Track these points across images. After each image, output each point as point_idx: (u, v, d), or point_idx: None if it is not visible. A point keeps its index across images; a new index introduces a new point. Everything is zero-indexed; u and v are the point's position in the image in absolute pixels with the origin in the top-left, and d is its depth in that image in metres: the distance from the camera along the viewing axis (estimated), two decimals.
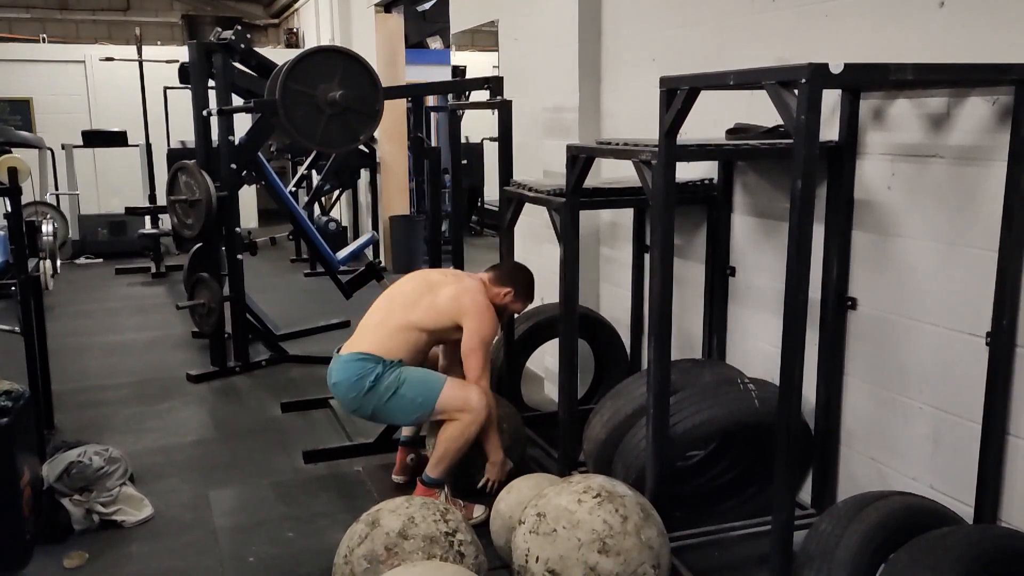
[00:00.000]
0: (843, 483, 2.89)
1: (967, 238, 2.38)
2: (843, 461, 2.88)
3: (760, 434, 2.98)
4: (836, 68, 1.95)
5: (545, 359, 4.63)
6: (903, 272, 2.59)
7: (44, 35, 12.22)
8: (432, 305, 3.30)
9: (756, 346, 3.26)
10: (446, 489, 3.30)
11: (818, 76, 1.94)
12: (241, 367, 5.28)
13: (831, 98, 2.71)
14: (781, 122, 2.43)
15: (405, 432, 3.61)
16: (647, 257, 3.69)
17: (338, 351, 3.35)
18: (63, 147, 9.63)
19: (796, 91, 1.98)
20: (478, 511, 3.25)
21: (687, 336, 3.60)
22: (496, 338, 3.50)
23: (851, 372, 2.82)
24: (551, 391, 4.60)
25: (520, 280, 3.50)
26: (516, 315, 3.69)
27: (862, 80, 2.48)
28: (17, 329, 3.80)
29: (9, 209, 3.76)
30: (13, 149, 8.30)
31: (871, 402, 2.76)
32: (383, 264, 8.27)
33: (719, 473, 3.30)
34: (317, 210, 9.13)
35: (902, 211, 2.58)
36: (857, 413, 2.82)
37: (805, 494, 2.99)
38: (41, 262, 6.21)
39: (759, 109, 2.93)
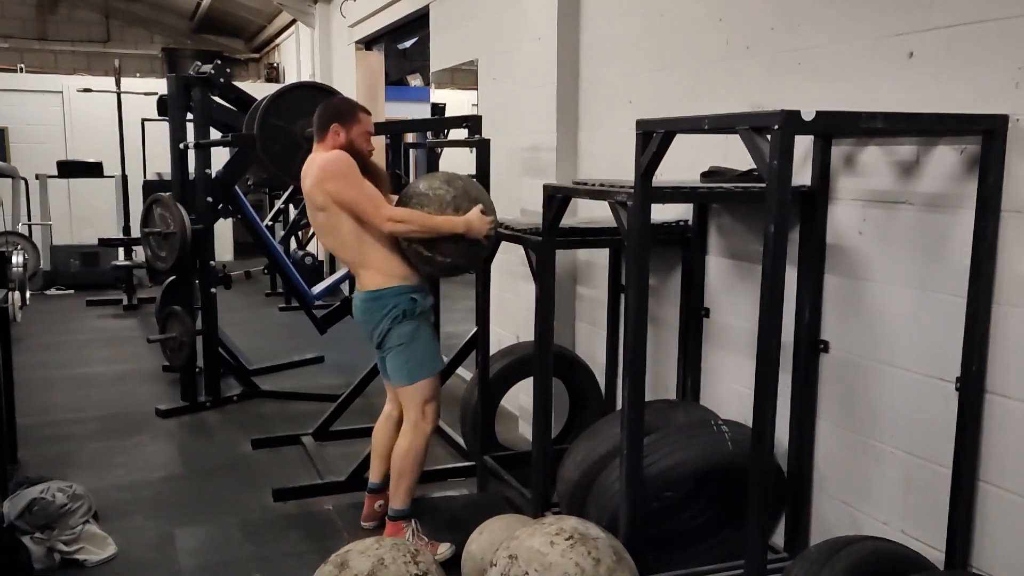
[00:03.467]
0: (816, 527, 2.89)
1: (937, 284, 2.41)
2: (816, 504, 2.88)
3: (734, 476, 2.98)
4: (808, 115, 1.98)
5: (520, 397, 4.61)
6: (874, 316, 2.62)
7: (22, 65, 12.18)
8: (322, 212, 3.15)
9: (730, 388, 3.27)
10: (414, 524, 3.27)
11: (790, 122, 1.98)
12: (212, 402, 5.21)
13: (804, 144, 2.76)
14: (755, 166, 2.47)
15: (373, 479, 3.55)
16: (622, 297, 3.70)
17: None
18: (37, 177, 9.55)
19: (769, 136, 2.01)
20: (443, 548, 3.21)
21: (662, 377, 3.60)
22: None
23: (823, 415, 2.83)
24: (525, 430, 4.57)
25: (331, 109, 3.23)
26: (369, 134, 3.28)
27: (833, 127, 2.53)
28: None
29: None
30: None
31: (843, 446, 2.77)
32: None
33: (693, 515, 3.29)
34: (293, 244, 9.09)
35: (873, 256, 2.61)
36: (829, 456, 2.83)
37: (779, 537, 2.98)
38: (10, 293, 6.13)
39: (734, 152, 2.97)
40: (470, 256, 3.27)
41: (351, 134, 3.18)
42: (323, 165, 3.10)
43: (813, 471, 2.88)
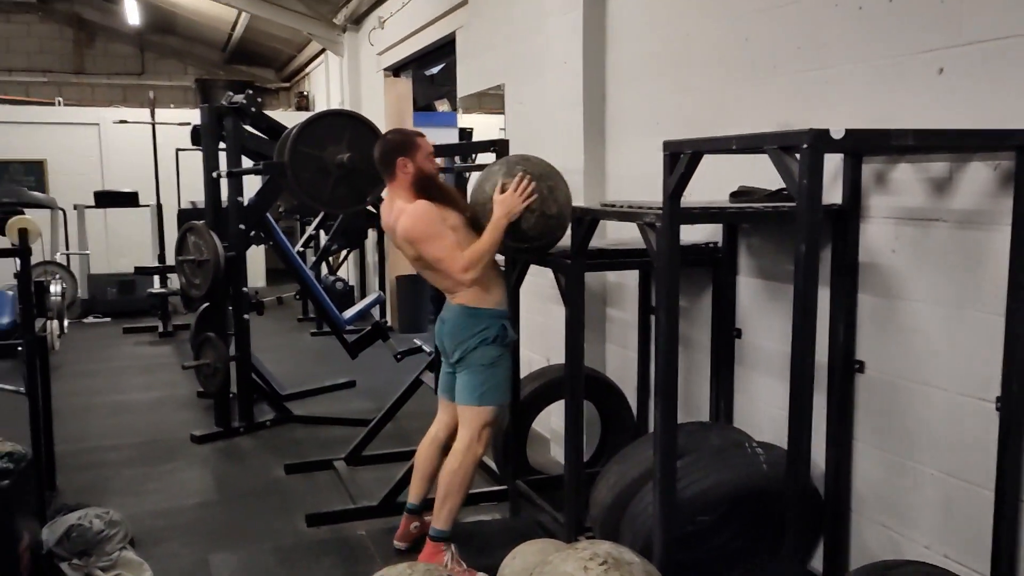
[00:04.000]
0: (855, 551, 2.83)
1: (974, 302, 2.37)
2: (854, 528, 2.83)
3: (769, 499, 2.94)
4: (837, 134, 1.97)
5: (551, 420, 4.59)
6: (910, 335, 2.58)
7: (60, 98, 12.48)
8: (424, 257, 3.25)
9: (764, 409, 3.23)
10: (453, 548, 3.25)
11: (819, 141, 1.96)
12: (245, 427, 5.24)
13: (833, 162, 2.74)
14: (784, 185, 2.45)
15: (411, 500, 3.55)
16: (652, 319, 3.68)
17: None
18: (75, 207, 9.75)
19: (798, 156, 2.00)
20: None
21: (694, 398, 3.57)
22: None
23: (860, 437, 2.79)
24: (557, 453, 4.55)
25: (390, 145, 3.29)
26: (431, 154, 3.35)
27: (863, 145, 2.51)
28: (22, 390, 3.79)
29: (19, 269, 3.78)
30: (25, 210, 8.41)
31: (881, 467, 2.72)
32: (389, 324, 8.27)
33: (728, 539, 3.24)
34: (324, 270, 9.18)
35: (907, 274, 2.58)
36: (867, 478, 2.78)
37: (817, 561, 2.93)
38: (48, 322, 6.24)
39: (762, 171, 2.95)
40: (545, 222, 3.24)
41: (417, 161, 3.27)
42: (408, 225, 3.20)
43: (851, 494, 2.83)
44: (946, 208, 2.43)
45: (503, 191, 3.18)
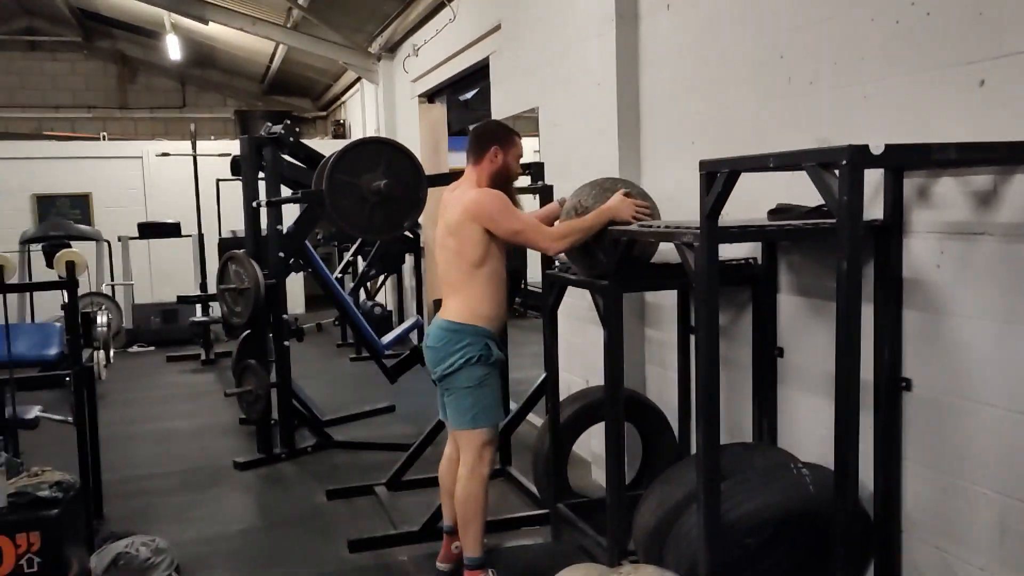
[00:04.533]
0: (907, 574, 2.76)
1: (1023, 317, 2.31)
2: (906, 550, 2.76)
3: (817, 521, 2.87)
4: (877, 149, 1.95)
5: (592, 443, 4.56)
6: (958, 352, 2.52)
7: (104, 133, 12.80)
8: (462, 240, 3.20)
9: (808, 429, 3.18)
10: (491, 572, 3.24)
11: (859, 157, 1.94)
12: (287, 454, 5.28)
13: (874, 177, 2.70)
14: (823, 202, 2.42)
15: (446, 521, 3.55)
16: (692, 338, 3.65)
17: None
18: (119, 239, 9.97)
19: (837, 172, 1.97)
20: None
21: (736, 419, 3.52)
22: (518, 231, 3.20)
23: (909, 456, 2.73)
24: (598, 476, 4.51)
25: (492, 132, 3.34)
26: (520, 159, 3.40)
27: (904, 160, 2.47)
28: (70, 419, 3.86)
29: (66, 301, 3.87)
30: (72, 243, 8.61)
31: (932, 488, 2.65)
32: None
33: (775, 562, 3.17)
34: (363, 295, 9.26)
35: (953, 290, 2.52)
36: (918, 499, 2.71)
37: None
38: (95, 352, 6.35)
39: (801, 188, 2.92)
40: (637, 252, 3.24)
41: (508, 157, 3.30)
42: (481, 202, 3.16)
43: (901, 515, 2.76)
44: (992, 222, 2.39)
45: (626, 195, 3.20)
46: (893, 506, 2.75)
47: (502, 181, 3.29)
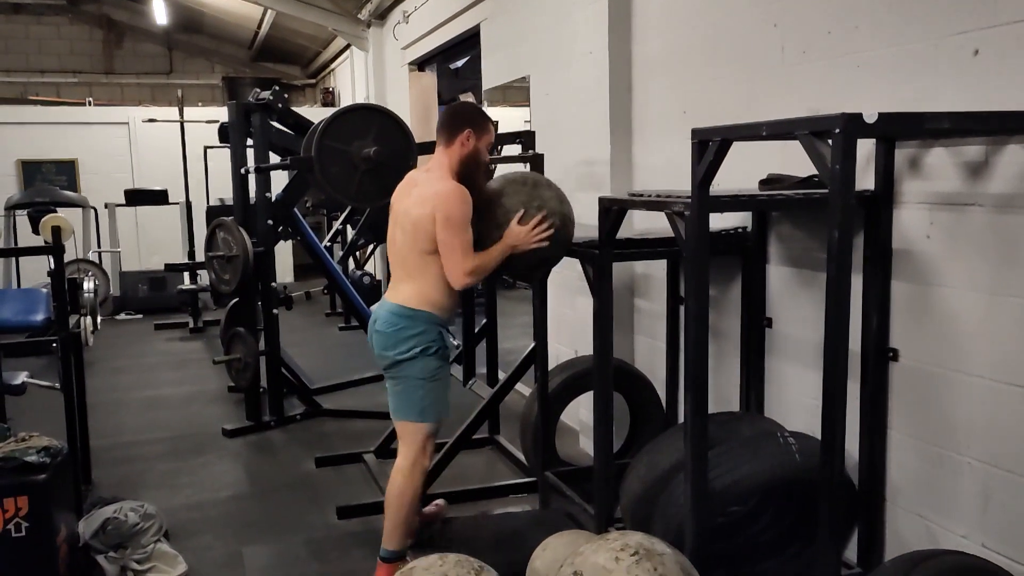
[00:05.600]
0: (890, 541, 2.80)
1: (1011, 288, 2.32)
2: (889, 518, 2.79)
3: (802, 490, 2.90)
4: (870, 118, 1.94)
5: (580, 412, 4.58)
6: (945, 323, 2.53)
7: (90, 98, 12.64)
8: (415, 223, 3.06)
9: (795, 399, 3.20)
10: (410, 559, 3.20)
11: (852, 126, 1.93)
12: (276, 421, 5.29)
13: (866, 147, 2.70)
14: (815, 171, 2.42)
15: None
16: (681, 309, 3.65)
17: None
18: (106, 206, 9.89)
19: (830, 141, 1.97)
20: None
21: (724, 389, 3.54)
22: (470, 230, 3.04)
23: (895, 426, 2.75)
24: (586, 445, 4.54)
25: (466, 115, 3.20)
26: (490, 146, 3.28)
27: (897, 130, 2.47)
28: (57, 385, 3.85)
29: (53, 267, 3.84)
30: (58, 209, 8.53)
31: (917, 457, 2.68)
32: None
33: (761, 530, 3.22)
34: (352, 264, 9.22)
35: (942, 260, 2.53)
36: (903, 468, 2.74)
37: (851, 552, 2.90)
38: (82, 319, 6.32)
39: (792, 159, 2.92)
40: (535, 261, 3.19)
41: (479, 143, 3.14)
42: (449, 204, 2.99)
43: (886, 483, 2.79)
44: (982, 192, 2.39)
45: (521, 221, 3.09)
46: (878, 475, 2.78)
47: (471, 167, 3.14)
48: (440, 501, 3.69)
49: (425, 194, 3.06)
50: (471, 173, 3.14)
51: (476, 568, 2.47)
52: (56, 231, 3.89)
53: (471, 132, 3.12)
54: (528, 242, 3.08)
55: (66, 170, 11.16)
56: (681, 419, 3.45)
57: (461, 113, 3.24)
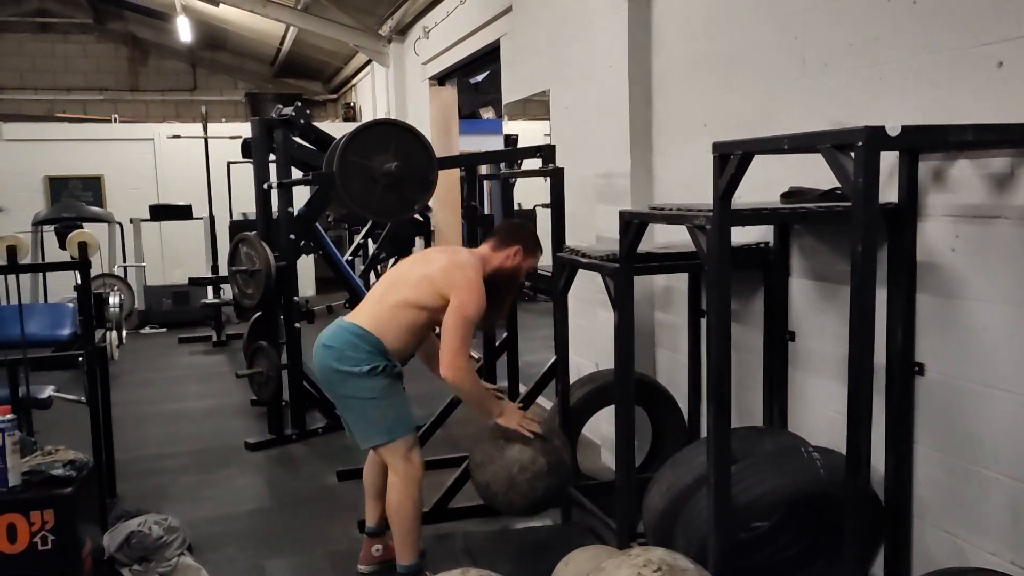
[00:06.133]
0: (917, 558, 2.75)
1: None
2: (916, 534, 2.75)
3: (827, 505, 2.87)
4: (893, 131, 1.93)
5: (601, 426, 4.56)
6: (972, 336, 2.50)
7: (116, 115, 12.82)
8: (425, 278, 3.18)
9: (819, 413, 3.17)
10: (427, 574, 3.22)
11: (875, 139, 1.92)
12: (298, 435, 5.31)
13: (889, 159, 2.68)
14: (838, 184, 2.41)
15: (369, 523, 3.51)
16: (703, 322, 3.64)
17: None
18: (131, 221, 10.00)
19: (853, 154, 1.96)
20: None
21: (747, 403, 3.52)
22: (478, 315, 3.19)
23: (921, 440, 2.72)
24: (608, 459, 4.52)
25: (524, 234, 3.42)
26: (528, 272, 3.48)
27: (920, 142, 2.45)
28: (83, 399, 3.89)
29: (79, 282, 3.89)
30: (84, 224, 8.64)
31: (943, 472, 2.64)
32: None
33: (785, 545, 3.18)
34: (373, 278, 9.25)
35: (968, 273, 2.50)
36: (929, 483, 2.70)
37: (877, 569, 2.86)
38: (108, 333, 6.39)
39: (814, 171, 2.90)
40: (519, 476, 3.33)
41: (521, 263, 3.37)
42: (473, 290, 3.13)
43: (912, 499, 2.75)
44: (1009, 205, 2.36)
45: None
46: (904, 490, 2.75)
47: (504, 280, 3.35)
48: None
49: (454, 270, 3.17)
50: (502, 284, 3.35)
51: None
52: (83, 247, 3.94)
53: (520, 250, 3.35)
54: (512, 422, 3.23)
55: (92, 186, 11.30)
56: (704, 433, 3.43)
57: (521, 231, 3.45)
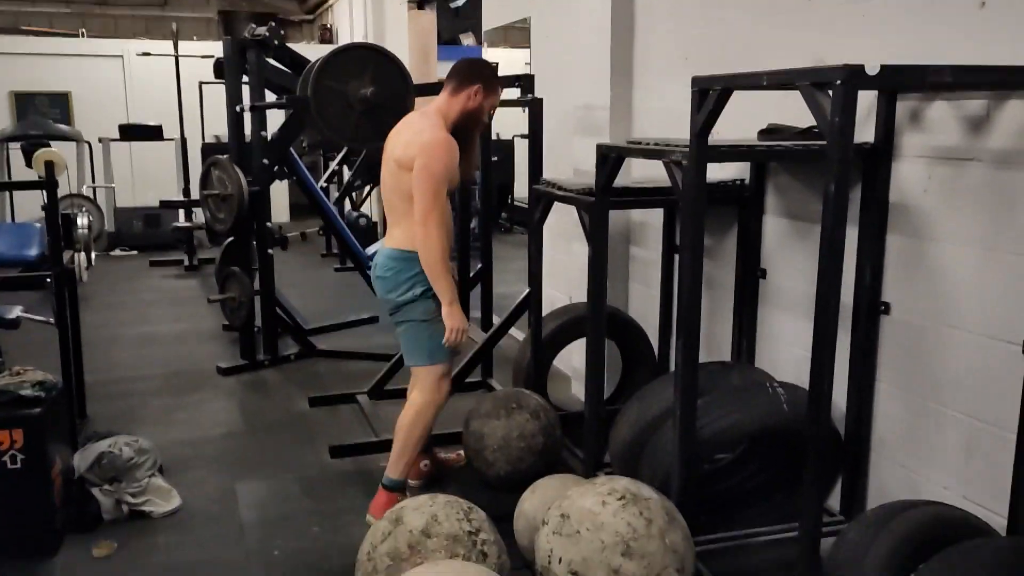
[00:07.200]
0: (873, 491, 2.85)
1: (1005, 244, 2.32)
2: (873, 468, 2.84)
3: (789, 439, 2.95)
4: (872, 70, 1.91)
5: (572, 358, 4.61)
6: (938, 277, 2.54)
7: (83, 30, 12.42)
8: (399, 166, 3.08)
9: (786, 350, 3.22)
10: (409, 493, 3.26)
11: (853, 78, 1.91)
12: (270, 361, 5.32)
13: (867, 99, 2.67)
14: (815, 123, 2.40)
15: None
16: (676, 258, 3.65)
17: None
18: (100, 140, 9.76)
19: (831, 92, 1.95)
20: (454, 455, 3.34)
21: (716, 338, 3.57)
22: (447, 187, 3.07)
23: (883, 378, 2.78)
24: (578, 391, 4.58)
25: (482, 70, 3.22)
26: (493, 110, 3.31)
27: (899, 82, 2.44)
28: (52, 320, 3.85)
29: (46, 202, 3.81)
30: (51, 142, 8.44)
31: (903, 409, 2.71)
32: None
33: (747, 477, 3.27)
34: (348, 206, 9.18)
35: (938, 215, 2.53)
36: (888, 420, 2.77)
37: (834, 500, 2.95)
38: (76, 254, 6.31)
39: (793, 109, 2.88)
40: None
41: (485, 102, 3.18)
42: (432, 148, 3.00)
43: (871, 434, 2.83)
44: (982, 147, 2.37)
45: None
46: (864, 426, 2.82)
47: (469, 123, 3.18)
48: (460, 452, 3.69)
49: (412, 140, 3.06)
50: (467, 129, 3.18)
51: (465, 509, 2.51)
52: (49, 166, 3.85)
53: (481, 89, 3.14)
54: (455, 322, 3.09)
55: (60, 103, 11.00)
56: (672, 367, 3.48)
57: (477, 67, 3.24)
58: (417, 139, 3.05)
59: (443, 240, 3.06)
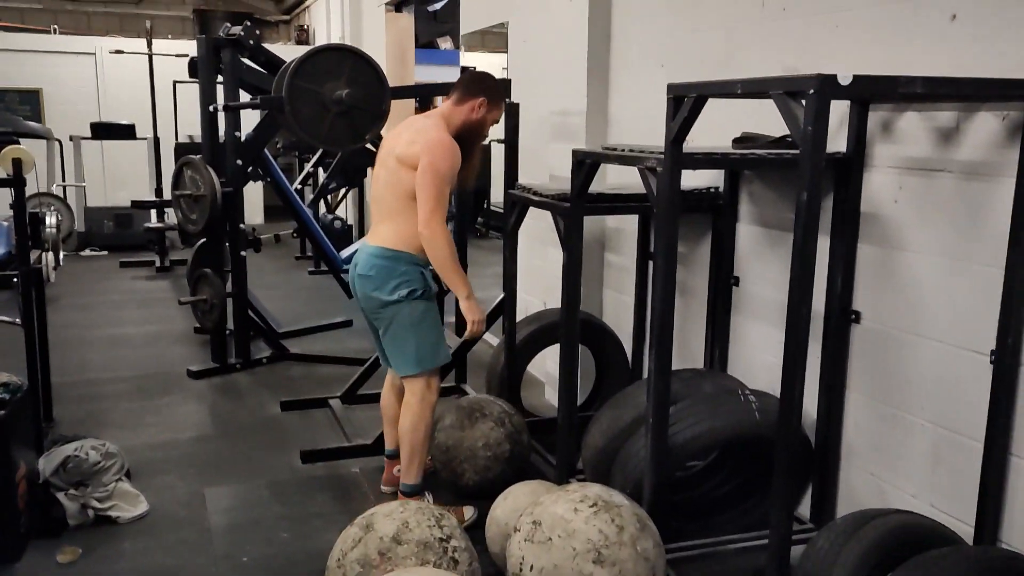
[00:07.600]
0: (842, 498, 2.87)
1: (974, 254, 2.35)
2: (843, 476, 2.86)
3: (760, 446, 2.96)
4: (845, 80, 1.93)
5: (546, 364, 4.61)
6: (908, 287, 2.57)
7: (55, 26, 12.25)
8: (400, 163, 3.08)
9: (758, 357, 3.24)
10: (428, 497, 3.27)
11: (826, 87, 1.92)
12: (242, 364, 5.26)
13: (839, 109, 2.69)
14: (788, 132, 2.42)
15: (389, 446, 3.53)
16: (651, 264, 3.66)
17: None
18: (71, 139, 9.63)
19: (804, 101, 1.96)
20: (468, 513, 3.23)
21: (689, 345, 3.58)
22: (452, 182, 3.10)
23: (853, 386, 2.80)
24: (551, 396, 4.57)
25: (488, 84, 3.24)
26: (494, 123, 3.34)
27: (871, 92, 2.46)
28: (18, 321, 3.79)
29: (13, 200, 3.75)
30: (20, 140, 8.31)
31: (872, 417, 2.73)
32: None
33: (718, 485, 3.28)
34: (323, 208, 9.12)
35: (909, 225, 2.55)
36: (858, 428, 2.79)
37: (804, 508, 2.97)
38: (44, 254, 6.21)
39: (767, 118, 2.91)
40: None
41: (489, 115, 3.21)
42: (438, 146, 3.02)
43: (841, 442, 2.85)
44: (951, 159, 2.40)
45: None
46: (834, 434, 2.84)
47: (470, 134, 3.20)
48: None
49: (416, 138, 3.07)
50: (468, 140, 3.19)
51: (436, 515, 2.50)
52: (17, 163, 3.78)
53: (485, 101, 3.18)
54: (473, 316, 3.16)
55: (30, 100, 10.85)
56: (646, 374, 3.49)
57: (485, 81, 3.26)
58: (422, 137, 3.06)
59: (450, 237, 3.06)
